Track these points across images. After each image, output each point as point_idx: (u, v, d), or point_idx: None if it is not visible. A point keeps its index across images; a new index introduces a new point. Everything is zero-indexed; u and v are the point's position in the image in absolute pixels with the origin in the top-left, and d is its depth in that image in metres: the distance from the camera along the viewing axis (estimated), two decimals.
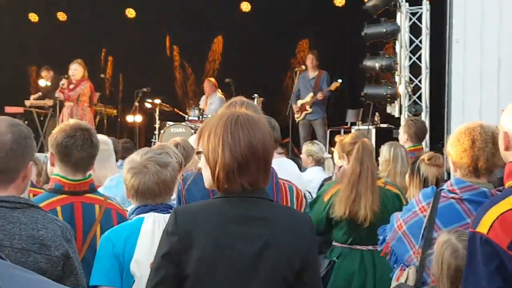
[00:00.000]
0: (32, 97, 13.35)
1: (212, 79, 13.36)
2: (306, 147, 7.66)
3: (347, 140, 4.96)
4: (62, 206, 3.45)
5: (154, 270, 2.37)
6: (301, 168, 7.58)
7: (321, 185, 6.23)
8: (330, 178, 6.33)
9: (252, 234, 2.35)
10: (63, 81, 11.28)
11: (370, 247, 4.59)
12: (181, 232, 2.35)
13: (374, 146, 5.49)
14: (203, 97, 13.27)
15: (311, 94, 12.07)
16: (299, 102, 12.20)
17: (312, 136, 11.91)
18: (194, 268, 2.31)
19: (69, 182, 3.49)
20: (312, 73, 12.31)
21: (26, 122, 10.99)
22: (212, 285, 2.33)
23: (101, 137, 4.37)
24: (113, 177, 4.60)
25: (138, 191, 3.16)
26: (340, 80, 11.98)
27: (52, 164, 3.57)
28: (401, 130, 7.04)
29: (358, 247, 4.68)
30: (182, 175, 3.60)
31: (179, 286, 2.34)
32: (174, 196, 3.62)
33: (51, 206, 3.41)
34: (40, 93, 13.27)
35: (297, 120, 12.26)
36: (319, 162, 7.43)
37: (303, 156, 7.66)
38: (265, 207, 2.43)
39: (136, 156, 3.22)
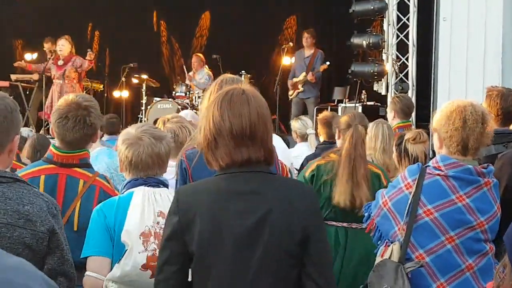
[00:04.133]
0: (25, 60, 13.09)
1: (200, 55, 13.29)
2: (292, 123, 7.75)
3: (344, 118, 4.98)
4: (46, 175, 3.47)
5: (160, 250, 2.44)
6: (290, 145, 7.68)
7: (303, 163, 6.26)
8: (313, 155, 6.35)
9: (250, 208, 2.37)
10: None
11: (345, 224, 4.63)
12: (182, 211, 2.39)
13: None
14: (191, 73, 13.22)
15: (304, 73, 12.06)
16: (294, 79, 12.21)
17: (304, 114, 11.91)
18: (196, 246, 2.35)
19: (58, 153, 3.51)
20: (307, 52, 12.28)
21: (12, 96, 10.94)
22: (214, 261, 2.35)
23: None
24: (102, 149, 4.59)
25: (131, 162, 3.16)
26: (328, 63, 11.94)
27: (53, 135, 3.61)
28: (388, 108, 7.07)
29: (334, 223, 4.70)
30: (184, 153, 3.59)
31: (187, 264, 2.38)
32: (170, 176, 3.61)
33: (37, 174, 3.46)
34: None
35: (290, 97, 12.28)
36: (304, 138, 7.48)
37: (292, 132, 7.75)
38: (263, 181, 2.45)
39: (132, 129, 3.23)
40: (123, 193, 3.20)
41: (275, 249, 2.36)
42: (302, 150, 7.23)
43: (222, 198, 2.40)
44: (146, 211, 3.05)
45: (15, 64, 12.45)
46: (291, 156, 6.37)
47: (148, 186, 3.15)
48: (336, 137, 5.10)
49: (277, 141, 5.47)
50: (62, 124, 3.48)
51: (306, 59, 12.20)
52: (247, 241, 2.35)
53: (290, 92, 12.26)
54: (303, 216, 2.41)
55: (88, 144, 3.61)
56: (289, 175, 3.97)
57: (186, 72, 13.00)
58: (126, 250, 3.01)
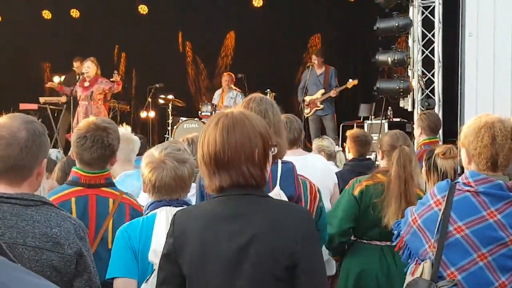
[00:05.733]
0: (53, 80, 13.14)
1: (232, 74, 13.41)
2: (316, 143, 7.60)
3: (386, 139, 4.95)
4: (76, 198, 3.50)
5: (158, 270, 2.51)
6: None
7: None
8: (344, 171, 6.30)
9: (236, 232, 2.37)
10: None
11: (388, 243, 4.59)
12: (176, 233, 2.44)
13: None
14: (218, 91, 13.28)
15: (322, 90, 12.11)
16: (307, 98, 12.23)
17: (322, 131, 11.94)
18: (187, 268, 2.40)
19: (85, 175, 3.55)
20: (319, 70, 12.36)
21: (40, 119, 11.10)
22: (202, 283, 2.39)
23: (128, 135, 4.48)
24: (127, 173, 4.61)
25: (155, 186, 3.17)
26: (356, 80, 12.10)
27: (73, 155, 3.65)
28: (415, 124, 7.04)
29: (378, 242, 4.68)
30: None
31: (183, 286, 2.44)
32: (192, 192, 3.62)
33: (66, 197, 3.49)
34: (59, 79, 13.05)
35: (306, 115, 12.27)
36: (331, 156, 7.39)
37: (314, 152, 7.58)
38: (254, 204, 2.44)
39: (155, 151, 3.23)
40: (146, 214, 3.21)
41: (260, 272, 2.35)
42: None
43: (212, 221, 2.42)
44: None
45: (48, 85, 12.63)
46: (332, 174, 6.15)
47: (171, 206, 3.16)
48: (379, 158, 5.05)
49: (316, 161, 5.36)
50: (80, 143, 3.53)
51: (320, 76, 12.31)
52: (233, 264, 2.36)
53: (307, 111, 12.28)
54: (291, 242, 2.36)
55: (105, 166, 3.63)
56: (318, 194, 3.93)
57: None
58: (154, 269, 3.01)
